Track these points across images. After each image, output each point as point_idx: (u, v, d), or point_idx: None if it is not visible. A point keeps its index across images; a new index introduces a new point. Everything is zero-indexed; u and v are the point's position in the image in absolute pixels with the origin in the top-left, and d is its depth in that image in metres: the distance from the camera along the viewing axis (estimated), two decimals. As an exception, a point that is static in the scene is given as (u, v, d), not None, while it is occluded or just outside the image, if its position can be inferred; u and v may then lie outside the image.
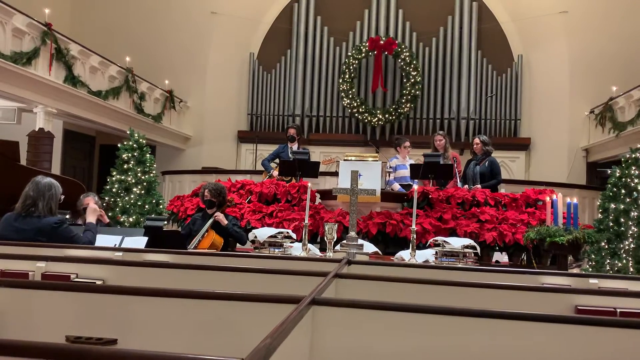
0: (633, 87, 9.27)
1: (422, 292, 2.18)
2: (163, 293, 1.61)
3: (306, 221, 4.23)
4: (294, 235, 4.52)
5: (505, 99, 11.34)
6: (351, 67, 11.40)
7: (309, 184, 4.66)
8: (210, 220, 4.76)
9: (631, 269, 5.94)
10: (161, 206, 7.07)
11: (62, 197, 3.59)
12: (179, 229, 5.74)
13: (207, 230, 4.72)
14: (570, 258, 5.10)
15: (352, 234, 4.46)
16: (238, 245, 5.39)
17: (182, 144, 11.94)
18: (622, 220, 6.25)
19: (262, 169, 7.79)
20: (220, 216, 4.74)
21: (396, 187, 6.84)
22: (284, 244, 4.31)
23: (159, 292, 1.61)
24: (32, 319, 1.63)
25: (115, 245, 3.78)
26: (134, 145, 7.09)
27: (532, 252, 5.30)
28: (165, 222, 5.88)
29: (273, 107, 11.87)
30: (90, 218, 3.81)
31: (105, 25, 11.44)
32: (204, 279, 2.25)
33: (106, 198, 6.76)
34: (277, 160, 7.33)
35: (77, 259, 2.53)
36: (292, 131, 7.40)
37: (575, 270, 5.22)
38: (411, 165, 6.77)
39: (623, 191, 6.36)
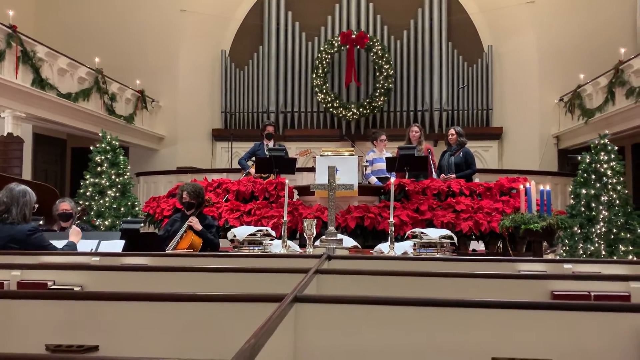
0: (600, 74, 9.48)
1: (402, 284, 2.20)
2: (143, 297, 1.59)
3: (285, 218, 4.23)
4: (273, 233, 4.51)
5: (476, 89, 11.49)
6: (324, 62, 11.40)
7: (287, 181, 4.65)
8: (187, 224, 4.71)
9: (603, 252, 6.10)
10: (137, 208, 6.99)
11: (37, 205, 3.52)
12: (156, 231, 5.68)
13: (185, 232, 4.68)
14: (544, 244, 5.22)
15: (331, 229, 4.47)
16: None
17: (155, 144, 11.79)
18: (593, 205, 6.41)
19: (239, 167, 7.74)
20: (194, 222, 4.71)
21: (373, 180, 6.88)
22: (264, 241, 4.30)
23: (139, 296, 1.60)
24: (10, 329, 1.60)
25: (92, 249, 3.72)
26: (107, 147, 6.99)
27: (508, 240, 5.39)
28: (142, 224, 5.81)
29: (247, 104, 11.81)
30: (74, 238, 3.75)
31: (72, 26, 11.20)
32: (185, 280, 2.24)
33: (80, 202, 6.64)
34: (253, 158, 7.30)
35: (54, 265, 2.48)
36: (270, 129, 7.37)
37: (550, 256, 5.34)
38: (387, 158, 6.81)
39: (593, 176, 6.52)
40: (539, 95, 11.24)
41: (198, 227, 4.69)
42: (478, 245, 6.36)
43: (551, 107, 11.22)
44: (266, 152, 7.15)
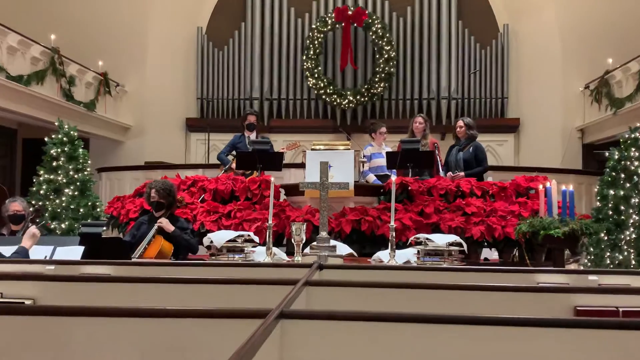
0: (631, 58, 9.53)
1: (404, 297, 2.20)
2: (106, 312, 1.59)
3: (270, 221, 4.23)
4: (256, 239, 4.50)
5: (490, 75, 11.53)
6: (316, 42, 11.39)
7: (272, 179, 4.65)
8: (156, 226, 4.70)
9: (633, 262, 6.15)
10: (98, 209, 6.96)
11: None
12: (121, 236, 5.65)
13: (153, 236, 4.67)
14: (567, 252, 5.25)
15: (323, 234, 4.47)
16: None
17: (120, 135, 11.73)
18: (622, 208, 6.45)
19: (217, 162, 7.72)
20: (164, 222, 4.69)
21: (371, 178, 6.89)
22: (245, 248, 4.29)
23: (101, 311, 1.59)
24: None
25: (46, 257, 3.70)
26: (64, 138, 6.95)
27: (525, 247, 5.42)
28: (104, 228, 5.80)
29: (227, 90, 11.77)
30: (26, 242, 3.71)
31: (23, -2, 11.11)
32: (154, 293, 2.23)
33: (33, 202, 6.61)
34: (234, 153, 7.28)
35: (1, 275, 2.47)
36: (252, 118, 7.35)
37: (573, 266, 5.38)
38: (387, 153, 6.82)
39: (622, 175, 6.56)
40: (562, 82, 11.30)
41: (170, 227, 4.68)
42: (491, 254, 6.39)
43: (575, 95, 11.29)
44: (248, 146, 7.14)
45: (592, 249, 6.51)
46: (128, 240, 4.79)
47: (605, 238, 6.48)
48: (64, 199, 6.81)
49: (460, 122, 6.92)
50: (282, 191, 6.52)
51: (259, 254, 4.35)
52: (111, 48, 11.28)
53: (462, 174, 6.53)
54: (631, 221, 6.39)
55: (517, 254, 5.89)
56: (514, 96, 11.59)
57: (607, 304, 2.18)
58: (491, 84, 11.52)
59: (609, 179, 6.63)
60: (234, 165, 7.05)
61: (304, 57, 11.45)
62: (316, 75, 11.35)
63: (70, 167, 6.90)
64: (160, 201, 4.82)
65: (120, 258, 3.68)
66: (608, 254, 6.43)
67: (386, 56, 11.31)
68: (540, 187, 5.00)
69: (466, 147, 6.76)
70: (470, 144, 6.77)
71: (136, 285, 2.25)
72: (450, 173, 6.63)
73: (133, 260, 4.16)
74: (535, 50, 11.47)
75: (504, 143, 11.54)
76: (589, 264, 6.48)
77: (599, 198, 6.79)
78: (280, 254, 4.57)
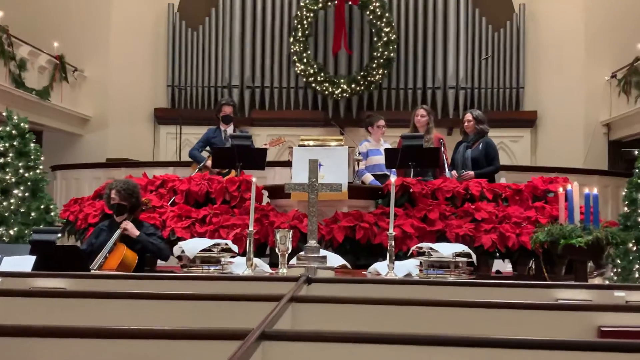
0: (663, 44, 9.61)
1: (404, 316, 2.20)
2: (60, 332, 1.58)
3: (251, 228, 4.22)
4: (235, 248, 4.50)
5: (504, 61, 11.57)
6: (305, 23, 11.39)
7: (254, 179, 4.64)
8: (118, 232, 4.69)
9: (665, 276, 6.20)
10: (52, 213, 6.93)
11: None
12: (78, 244, 5.62)
13: (114, 244, 4.66)
14: (590, 265, 5.28)
15: (312, 242, 4.48)
16: (160, 262, 5.32)
17: (78, 127, 11.67)
18: (652, 214, 6.50)
19: (190, 160, 7.69)
20: (128, 226, 4.68)
21: (368, 179, 6.89)
22: (222, 259, 4.29)
23: (55, 332, 1.58)
24: None
25: (-9, 268, 3.68)
26: (13, 131, 6.91)
27: (543, 259, 5.44)
28: (59, 235, 5.76)
29: (202, 76, 11.74)
30: None
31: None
32: (116, 310, 2.22)
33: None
34: (208, 148, 7.26)
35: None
36: (227, 109, 7.34)
37: (597, 281, 5.40)
38: (386, 150, 6.83)
39: (653, 177, 6.62)
40: (585, 70, 11.36)
41: (134, 232, 4.68)
42: (504, 266, 6.41)
43: (600, 85, 11.35)
44: (225, 141, 7.13)
45: (618, 261, 6.56)
46: (86, 249, 4.77)
47: (634, 248, 6.53)
48: (12, 201, 6.76)
49: (469, 116, 6.93)
50: (265, 193, 6.51)
51: (238, 266, 4.34)
52: (68, 27, 11.22)
53: (472, 174, 6.55)
54: (663, 229, 6.44)
55: (533, 267, 5.91)
56: (531, 86, 11.64)
57: (635, 324, 2.20)
58: (505, 72, 11.56)
59: (639, 181, 6.68)
60: (209, 163, 7.03)
61: (291, 40, 11.44)
62: (305, 61, 11.35)
63: (20, 164, 6.85)
64: (122, 203, 4.81)
65: (77, 269, 3.66)
66: (637, 266, 6.48)
67: (385, 39, 11.33)
68: (560, 189, 5.02)
69: (475, 144, 6.78)
70: (479, 140, 6.79)
71: (95, 302, 2.25)
72: (455, 173, 6.64)
73: (92, 272, 4.15)
74: (555, 33, 11.53)
75: (519, 139, 11.59)
76: (615, 278, 6.53)
77: (627, 203, 6.85)
78: (262, 266, 4.57)
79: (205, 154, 7.35)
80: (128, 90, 11.66)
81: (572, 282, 4.37)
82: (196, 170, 6.93)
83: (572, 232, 4.59)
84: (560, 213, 4.95)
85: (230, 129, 7.32)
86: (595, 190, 4.78)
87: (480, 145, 6.75)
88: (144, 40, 11.83)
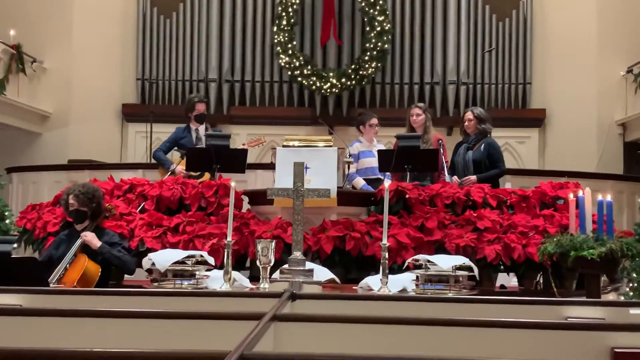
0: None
1: (399, 336, 2.20)
2: (15, 355, 1.56)
3: (229, 238, 4.21)
4: (211, 260, 4.50)
5: (509, 54, 11.61)
6: (290, 10, 11.39)
7: (233, 183, 4.63)
8: (78, 242, 4.67)
9: (685, 292, 6.23)
10: (7, 221, 6.86)
11: None
12: (36, 255, 5.59)
13: (75, 255, 4.64)
14: (603, 279, 5.30)
15: (297, 254, 4.47)
16: (127, 276, 5.30)
17: (37, 125, 11.61)
18: (672, 223, 6.54)
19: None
20: (88, 236, 4.66)
21: (359, 183, 6.91)
22: (197, 273, 4.28)
23: (9, 355, 1.56)
24: None
25: (-62, 283, 3.64)
26: (-37, 129, 6.88)
27: (551, 273, 5.46)
28: (15, 246, 5.71)
29: (175, 69, 11.70)
30: None
31: None
32: (77, 330, 2.20)
33: None
34: (178, 149, 7.24)
35: None
36: (201, 107, 7.32)
37: (611, 297, 5.43)
38: (379, 152, 6.84)
39: (672, 183, 6.66)
40: (598, 64, 11.42)
41: (95, 242, 4.66)
42: (509, 280, 6.43)
43: (615, 81, 11.42)
44: (195, 141, 7.11)
45: (634, 275, 6.59)
46: (45, 261, 4.75)
47: (652, 261, 6.56)
48: (-38, 207, 6.72)
49: (469, 114, 6.96)
50: (245, 199, 6.50)
51: (215, 280, 4.33)
52: (26, 14, 11.16)
53: (474, 178, 6.57)
54: (683, 240, 6.48)
55: (541, 281, 5.93)
56: (539, 81, 11.69)
57: (653, 345, 2.21)
58: (510, 66, 11.60)
59: (656, 186, 6.72)
60: (179, 168, 6.97)
61: (275, 29, 11.43)
62: (290, 52, 11.34)
63: (-29, 166, 6.83)
64: (81, 210, 4.80)
65: (35, 284, 3.64)
66: (654, 281, 6.51)
67: (379, 29, 11.34)
68: (571, 196, 5.05)
69: (477, 145, 6.81)
70: (482, 140, 6.82)
71: (54, 320, 2.23)
72: (456, 177, 6.66)
73: (50, 287, 4.12)
74: (565, 23, 11.58)
75: (525, 140, 11.63)
76: (631, 294, 6.56)
77: (643, 211, 6.88)
78: (241, 280, 4.56)
79: (173, 156, 7.31)
80: (93, 83, 11.60)
81: (584, 299, 4.39)
82: (167, 174, 6.90)
83: (583, 243, 4.61)
84: (571, 222, 4.97)
85: (202, 129, 7.31)
86: (609, 197, 4.80)
87: (482, 147, 6.77)
88: (111, 29, 11.77)
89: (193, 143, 7.13)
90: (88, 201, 4.82)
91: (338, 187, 6.01)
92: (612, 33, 11.29)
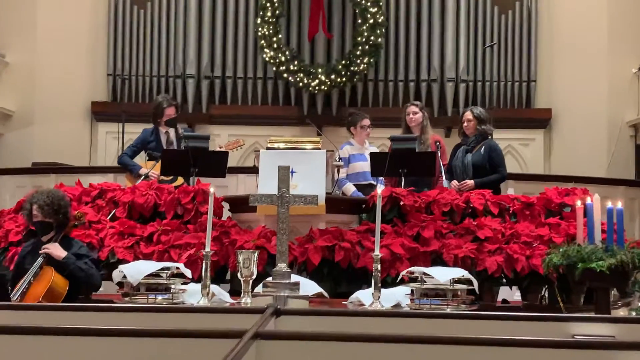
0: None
1: (392, 355, 2.20)
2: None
3: (208, 248, 4.21)
4: (188, 273, 4.48)
5: (512, 50, 11.64)
6: (275, 0, 11.39)
7: (212, 188, 4.63)
8: (43, 255, 4.65)
9: (701, 306, 6.27)
10: (-35, 229, 6.84)
11: None
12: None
13: (40, 269, 4.62)
14: (613, 293, 5.32)
15: (282, 266, 4.47)
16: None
17: (-2, 125, 11.57)
18: (687, 232, 6.58)
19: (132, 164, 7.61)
20: (51, 248, 4.64)
21: (350, 189, 6.91)
22: (172, 286, 4.26)
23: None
24: None
25: None
26: None
27: (557, 286, 5.48)
28: (-27, 257, 5.70)
29: (150, 63, 11.66)
30: None
31: None
32: (42, 349, 2.19)
33: None
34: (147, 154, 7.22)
35: None
36: (171, 111, 7.27)
37: (622, 313, 5.45)
38: (372, 155, 6.85)
39: (688, 189, 6.71)
40: (609, 60, 11.47)
41: (59, 254, 4.64)
42: (511, 294, 6.44)
43: (627, 79, 11.47)
44: (166, 145, 7.07)
45: (647, 289, 6.63)
46: (5, 275, 4.73)
47: (665, 273, 6.59)
48: None
49: (469, 114, 6.97)
50: (226, 206, 6.50)
51: (192, 295, 4.32)
52: (-13, 3, 11.11)
53: (471, 183, 6.58)
54: (699, 251, 6.52)
55: (546, 295, 5.94)
56: (545, 79, 11.73)
57: (667, 365, 2.22)
58: (513, 63, 11.64)
59: (671, 193, 6.76)
60: (153, 174, 6.92)
61: (259, 20, 11.43)
62: (275, 46, 11.34)
63: None
64: (46, 221, 4.77)
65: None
66: (669, 295, 6.55)
67: (372, 21, 11.35)
68: (579, 203, 5.06)
69: (476, 148, 6.82)
70: (482, 143, 6.84)
71: (17, 339, 2.22)
72: (455, 182, 6.67)
73: (12, 302, 4.10)
74: (573, 17, 11.63)
75: (530, 143, 11.66)
76: (644, 308, 6.59)
77: (656, 219, 6.92)
78: (221, 295, 4.55)
79: (141, 160, 7.27)
80: (60, 80, 11.55)
81: (592, 315, 4.40)
82: (140, 179, 6.86)
83: (592, 254, 4.63)
84: (579, 231, 4.99)
85: (173, 131, 7.28)
86: (619, 204, 4.82)
87: (483, 150, 6.78)
88: (80, 21, 11.73)
89: (162, 146, 7.10)
90: (53, 212, 4.79)
91: (327, 193, 6.02)
92: (624, 26, 11.33)
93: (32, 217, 4.81)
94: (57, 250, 4.65)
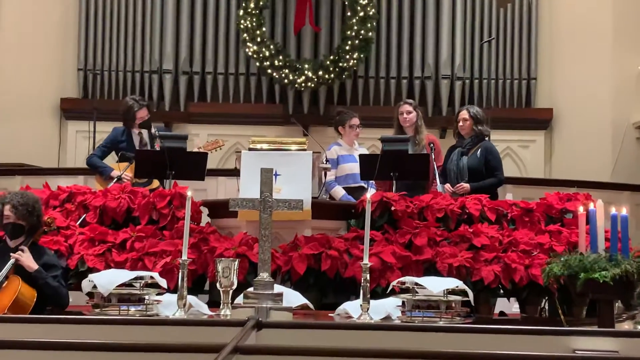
0: None
1: (381, 372, 2.21)
2: None
3: (184, 256, 4.20)
4: (163, 282, 4.47)
5: (511, 46, 11.68)
6: (258, -9, 11.41)
7: (189, 192, 4.62)
8: (11, 262, 4.63)
9: None
10: None
11: None
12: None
13: (6, 278, 4.59)
14: (617, 305, 5.35)
15: (264, 275, 4.46)
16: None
17: (-40, 123, 11.51)
18: (696, 241, 6.62)
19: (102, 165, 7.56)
20: (23, 257, 4.62)
21: (338, 193, 6.91)
22: (146, 297, 4.25)
23: None
24: None
25: None
26: None
27: (558, 298, 5.50)
28: None
29: (123, 57, 11.63)
30: None
31: None
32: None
33: None
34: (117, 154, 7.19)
35: None
36: (143, 113, 7.21)
37: (626, 327, 5.47)
38: (361, 156, 6.85)
39: (696, 195, 6.75)
40: (614, 58, 11.52)
41: (30, 265, 4.62)
42: (509, 306, 6.45)
43: (632, 78, 11.52)
44: (139, 146, 7.05)
45: (653, 301, 6.66)
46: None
47: (673, 285, 6.63)
48: None
49: (465, 113, 6.99)
50: (205, 211, 6.49)
51: (167, 306, 4.32)
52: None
53: (466, 186, 6.59)
54: None
55: (546, 307, 5.96)
56: (546, 77, 11.76)
57: (673, 381, 2.23)
58: (512, 59, 11.67)
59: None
60: (127, 176, 6.90)
61: (241, 12, 11.42)
62: (259, 40, 11.34)
63: None
64: (19, 223, 4.75)
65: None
66: (676, 307, 6.58)
67: (362, 14, 11.37)
68: (581, 209, 5.08)
69: (472, 150, 6.84)
70: (478, 144, 6.85)
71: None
72: (448, 186, 6.68)
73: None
74: (576, 11, 11.67)
75: (529, 144, 11.69)
76: (650, 322, 6.62)
77: (663, 226, 6.96)
78: (199, 306, 4.55)
79: (112, 161, 7.24)
80: (25, 75, 11.51)
81: (595, 328, 4.42)
82: (113, 182, 6.83)
83: (595, 263, 4.65)
84: (581, 239, 5.00)
85: (146, 134, 7.25)
86: (624, 210, 4.84)
87: (479, 152, 6.80)
88: (48, 10, 11.69)
89: (134, 146, 7.07)
90: (27, 214, 4.77)
91: (313, 198, 6.01)
92: (630, 22, 11.37)
93: (3, 218, 4.78)
94: (28, 261, 4.62)
